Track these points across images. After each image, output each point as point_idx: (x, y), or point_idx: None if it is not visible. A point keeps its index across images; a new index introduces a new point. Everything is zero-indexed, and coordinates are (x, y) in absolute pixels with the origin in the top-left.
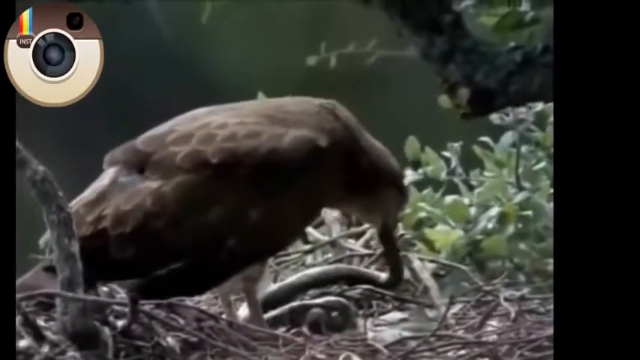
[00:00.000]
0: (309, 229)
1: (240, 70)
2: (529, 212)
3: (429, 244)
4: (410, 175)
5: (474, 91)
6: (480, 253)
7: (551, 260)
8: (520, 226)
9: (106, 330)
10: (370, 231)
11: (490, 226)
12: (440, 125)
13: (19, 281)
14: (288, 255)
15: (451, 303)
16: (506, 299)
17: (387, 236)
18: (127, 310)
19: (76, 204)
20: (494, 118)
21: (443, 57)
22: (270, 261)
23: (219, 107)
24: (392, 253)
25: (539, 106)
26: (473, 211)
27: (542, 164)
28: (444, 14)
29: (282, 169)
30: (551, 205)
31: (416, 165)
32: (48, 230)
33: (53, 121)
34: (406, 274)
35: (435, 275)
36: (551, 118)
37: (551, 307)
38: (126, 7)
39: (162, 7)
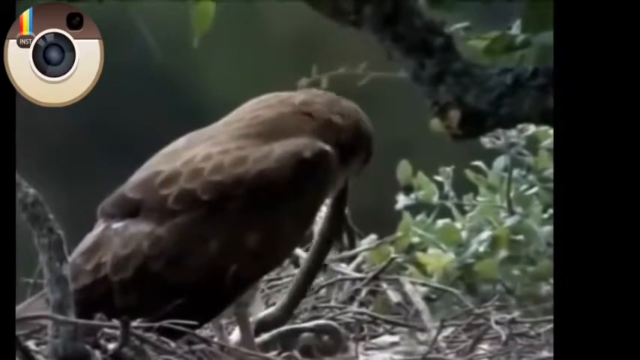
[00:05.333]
0: (301, 253)
1: (230, 93)
2: (520, 236)
3: (421, 268)
4: (402, 200)
5: (465, 112)
6: (471, 276)
7: (542, 284)
8: (511, 250)
9: (97, 353)
10: (362, 255)
11: (481, 249)
12: (432, 149)
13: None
14: (279, 279)
15: (442, 326)
16: (497, 322)
17: (342, 197)
18: (118, 333)
19: (73, 254)
20: (486, 141)
21: (433, 79)
22: (262, 285)
23: (194, 137)
24: (340, 215)
25: (530, 129)
26: (464, 234)
27: (534, 189)
28: (435, 37)
29: (272, 190)
30: (543, 229)
31: (408, 189)
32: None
33: (38, 143)
34: (398, 297)
35: (427, 299)
36: (543, 143)
37: (542, 330)
38: (114, 30)
39: (151, 31)
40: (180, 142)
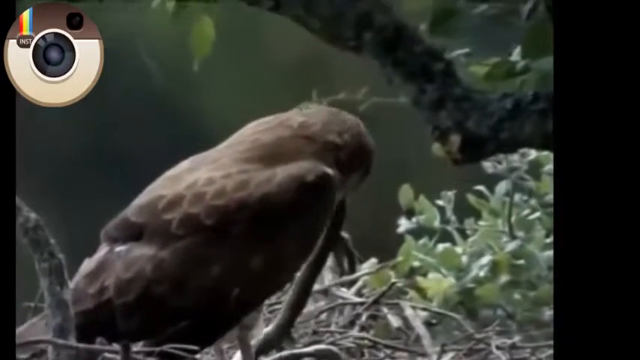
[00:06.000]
0: None
1: (231, 118)
2: (522, 261)
3: (421, 292)
4: (404, 224)
5: (465, 137)
6: (471, 301)
7: (543, 309)
8: (513, 274)
9: None
10: (362, 279)
11: (482, 274)
12: (433, 173)
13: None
14: (280, 303)
15: (443, 351)
16: (498, 347)
17: (339, 211)
18: (119, 358)
19: (75, 278)
20: (488, 166)
21: (434, 104)
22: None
23: (197, 160)
24: (337, 228)
25: (532, 154)
26: (465, 259)
27: (536, 214)
28: (435, 62)
29: (275, 214)
30: (544, 254)
31: (410, 213)
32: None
33: (39, 165)
34: (398, 322)
35: (427, 323)
36: (545, 167)
37: (543, 355)
38: (115, 55)
39: (153, 57)
40: (184, 165)
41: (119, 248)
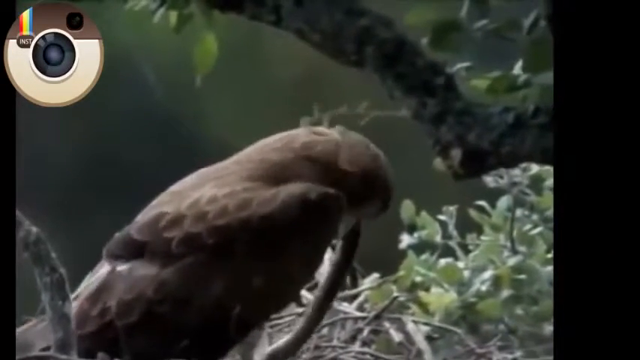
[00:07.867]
0: (304, 293)
1: (232, 132)
2: (523, 276)
3: (423, 307)
4: (406, 239)
5: (466, 151)
6: (473, 315)
7: (544, 324)
8: (514, 289)
9: None
10: (364, 293)
11: (483, 288)
12: (435, 188)
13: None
14: (281, 318)
15: None
16: None
17: (353, 240)
18: None
19: (78, 297)
20: (489, 180)
21: (435, 118)
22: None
23: (204, 174)
24: (350, 259)
25: (533, 169)
26: (467, 274)
27: (538, 228)
28: (436, 76)
29: (277, 233)
30: (546, 269)
31: (412, 228)
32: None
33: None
34: (400, 336)
35: (429, 338)
36: (547, 182)
37: None
38: (118, 70)
39: (154, 70)
40: (190, 179)
41: (120, 267)
